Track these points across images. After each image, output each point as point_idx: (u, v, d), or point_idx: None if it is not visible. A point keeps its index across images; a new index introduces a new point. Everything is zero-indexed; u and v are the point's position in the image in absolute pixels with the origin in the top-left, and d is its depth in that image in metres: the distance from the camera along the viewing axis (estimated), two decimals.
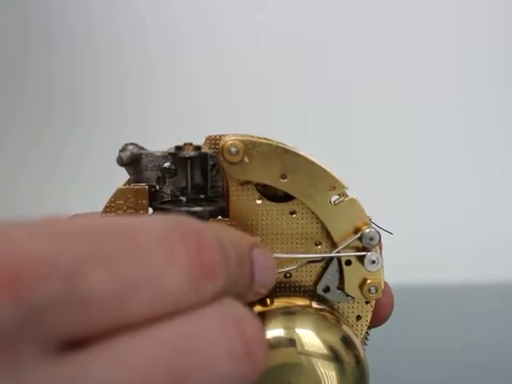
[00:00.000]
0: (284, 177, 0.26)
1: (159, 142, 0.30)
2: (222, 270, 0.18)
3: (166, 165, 0.26)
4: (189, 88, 0.81)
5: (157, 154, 0.27)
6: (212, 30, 0.82)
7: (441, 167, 0.84)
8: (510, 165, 0.84)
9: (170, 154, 0.26)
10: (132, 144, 0.27)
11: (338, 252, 0.26)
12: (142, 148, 0.27)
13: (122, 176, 0.27)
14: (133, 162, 0.27)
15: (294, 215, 0.27)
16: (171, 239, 0.17)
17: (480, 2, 0.82)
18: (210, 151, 0.26)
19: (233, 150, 0.25)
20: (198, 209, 0.25)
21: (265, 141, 0.26)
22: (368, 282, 0.26)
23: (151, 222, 0.18)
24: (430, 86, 0.83)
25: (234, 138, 0.25)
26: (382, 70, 0.82)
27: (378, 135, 0.82)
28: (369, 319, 0.28)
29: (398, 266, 0.83)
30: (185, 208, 0.25)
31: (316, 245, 0.27)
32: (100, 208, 0.26)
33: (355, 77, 0.82)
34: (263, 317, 0.25)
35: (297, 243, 0.27)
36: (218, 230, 0.19)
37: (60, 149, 0.81)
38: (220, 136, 0.28)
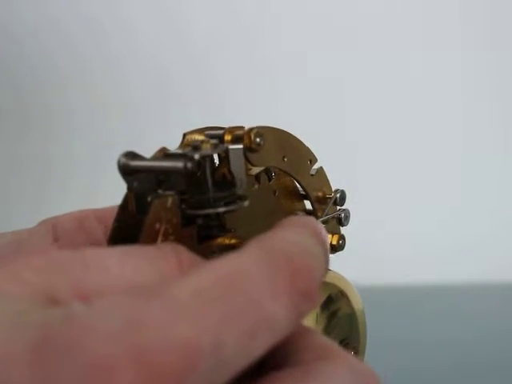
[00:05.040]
0: (284, 158, 0.27)
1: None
2: (317, 287, 0.19)
3: (189, 165, 0.23)
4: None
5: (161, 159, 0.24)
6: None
7: (432, 168, 0.84)
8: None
9: (185, 154, 0.24)
10: (132, 152, 0.23)
11: (326, 214, 0.29)
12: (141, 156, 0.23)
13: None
14: (136, 170, 0.23)
15: (276, 193, 0.28)
16: (273, 277, 0.18)
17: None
18: (230, 146, 0.25)
19: (258, 138, 0.24)
20: (234, 207, 0.24)
21: (267, 126, 0.26)
22: (339, 235, 0.30)
23: (250, 261, 0.18)
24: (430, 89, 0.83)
25: (255, 126, 0.24)
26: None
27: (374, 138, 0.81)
28: None
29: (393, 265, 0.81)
30: (222, 208, 0.24)
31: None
32: None
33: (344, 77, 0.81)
34: None
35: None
36: (293, 237, 0.20)
37: None
38: (199, 129, 0.26)
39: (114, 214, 0.27)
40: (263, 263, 0.18)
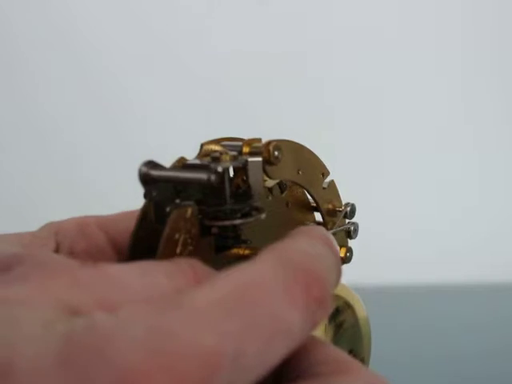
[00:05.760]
0: (299, 171, 0.27)
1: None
2: (330, 296, 0.19)
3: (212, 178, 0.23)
4: None
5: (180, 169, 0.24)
6: None
7: (433, 169, 0.84)
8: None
9: (205, 166, 0.24)
10: (152, 161, 0.23)
11: (336, 226, 0.29)
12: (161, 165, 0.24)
13: None
14: (156, 180, 0.23)
15: (289, 205, 0.28)
16: (289, 285, 0.18)
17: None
18: (250, 158, 0.25)
19: (277, 152, 0.25)
20: (251, 219, 0.24)
21: (283, 139, 0.26)
22: (347, 248, 0.30)
23: (266, 270, 0.18)
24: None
25: (273, 139, 0.25)
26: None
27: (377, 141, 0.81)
28: None
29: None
30: (240, 220, 0.24)
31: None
32: None
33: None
34: None
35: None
36: (306, 246, 0.20)
37: None
38: (216, 140, 0.26)
39: (115, 222, 0.27)
40: (279, 271, 0.18)
